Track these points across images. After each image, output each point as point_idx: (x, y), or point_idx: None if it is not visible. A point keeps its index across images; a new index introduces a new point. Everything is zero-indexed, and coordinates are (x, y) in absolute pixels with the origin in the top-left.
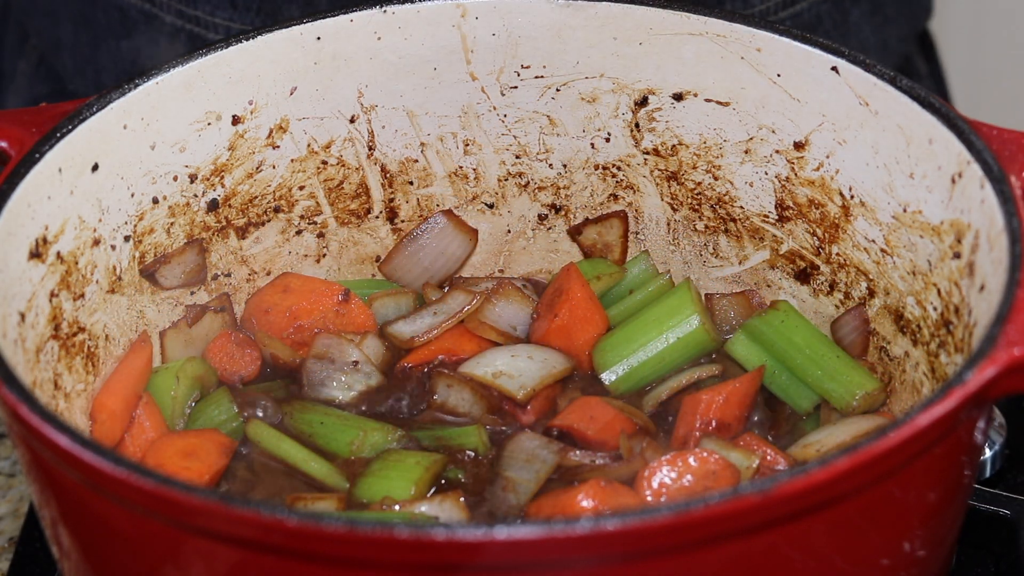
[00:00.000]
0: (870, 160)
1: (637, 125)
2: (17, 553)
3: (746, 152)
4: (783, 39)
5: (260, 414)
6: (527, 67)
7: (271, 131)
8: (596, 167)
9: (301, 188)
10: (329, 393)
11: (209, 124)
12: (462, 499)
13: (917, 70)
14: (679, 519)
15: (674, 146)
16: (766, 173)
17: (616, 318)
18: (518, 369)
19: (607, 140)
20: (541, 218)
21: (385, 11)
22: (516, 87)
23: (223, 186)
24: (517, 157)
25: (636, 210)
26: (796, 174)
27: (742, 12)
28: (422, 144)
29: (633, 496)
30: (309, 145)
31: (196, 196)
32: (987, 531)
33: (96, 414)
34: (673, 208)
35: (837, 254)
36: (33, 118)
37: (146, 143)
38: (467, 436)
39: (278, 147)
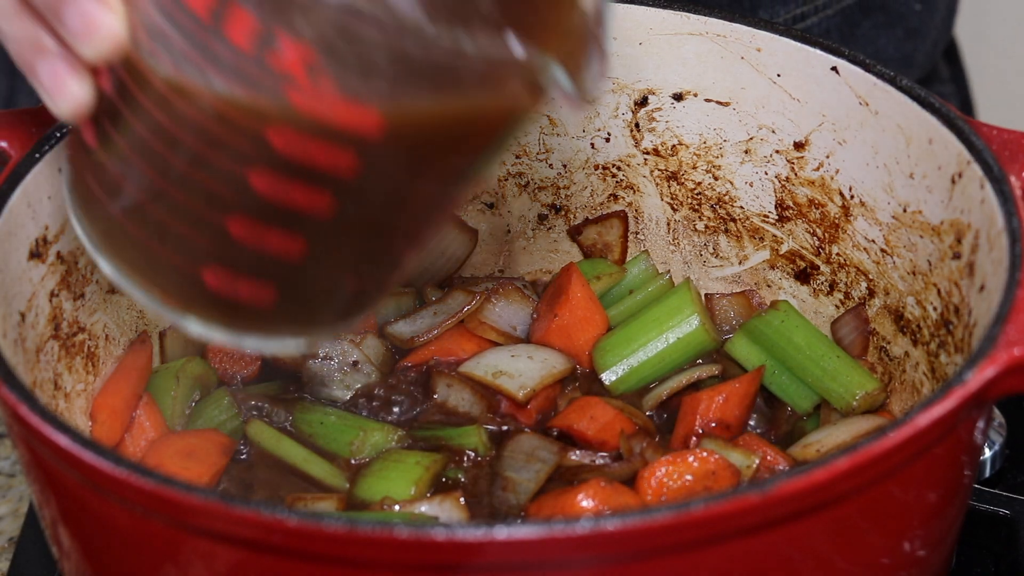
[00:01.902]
0: (870, 160)
1: (637, 125)
2: (17, 553)
3: (746, 152)
4: (783, 39)
5: (260, 414)
6: None
7: None
8: (596, 167)
9: None
10: (329, 393)
11: None
12: (462, 499)
13: (939, 74)
14: (679, 519)
15: (674, 146)
16: (766, 173)
17: (616, 318)
18: (518, 369)
19: (607, 140)
20: (541, 218)
21: None
22: None
23: None
24: (517, 157)
25: (636, 210)
26: (796, 174)
27: (742, 13)
28: None
29: (633, 496)
30: None
31: None
32: (987, 531)
33: (96, 414)
34: (673, 208)
35: (837, 254)
36: (33, 118)
37: None
38: (467, 436)
39: None
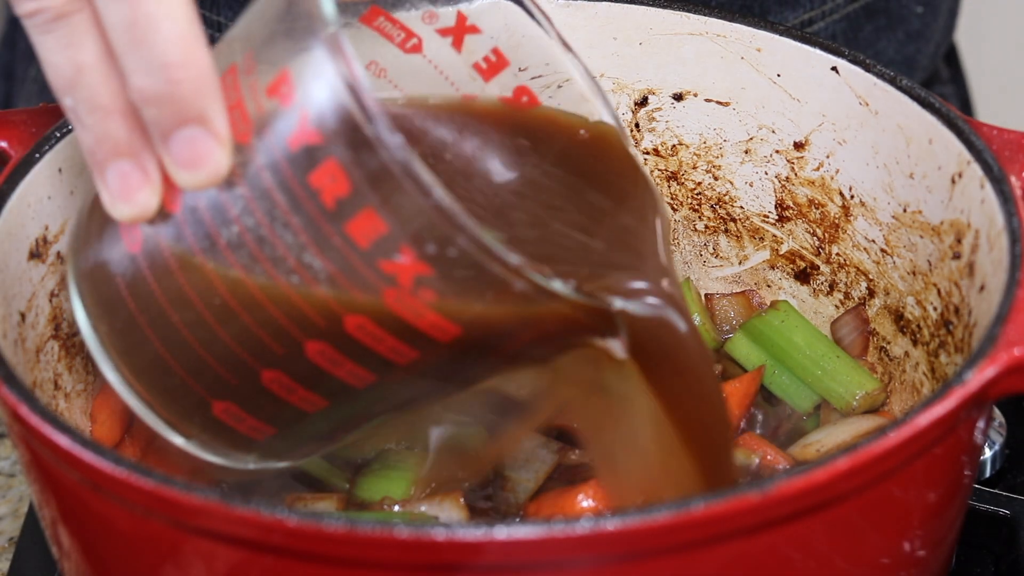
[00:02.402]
0: (870, 160)
1: (637, 125)
2: (17, 553)
3: (746, 152)
4: (783, 39)
5: None
6: (527, 67)
7: None
8: None
9: None
10: None
11: None
12: (462, 499)
13: (939, 75)
14: (679, 519)
15: (674, 146)
16: (766, 173)
17: None
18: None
19: None
20: None
21: None
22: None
23: None
24: None
25: None
26: (796, 174)
27: (743, 13)
28: None
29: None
30: None
31: None
32: (987, 531)
33: (96, 414)
34: (673, 208)
35: (837, 254)
36: (33, 118)
37: None
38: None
39: None
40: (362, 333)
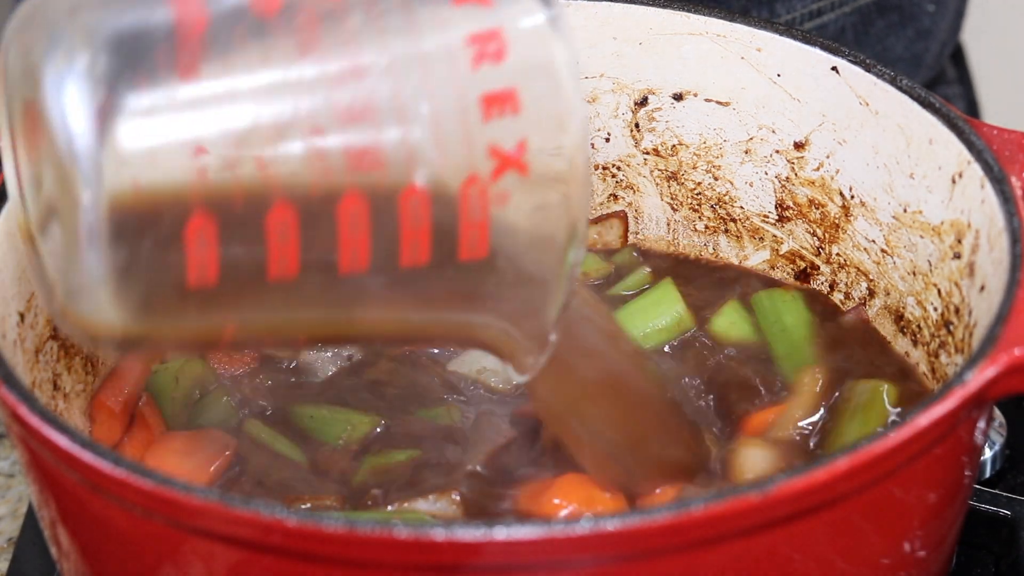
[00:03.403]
0: (870, 160)
1: (637, 125)
2: (16, 553)
3: (746, 152)
4: (783, 39)
5: (258, 412)
6: None
7: None
8: (596, 167)
9: None
10: (320, 380)
11: None
12: (456, 496)
13: (945, 75)
14: (679, 519)
15: (674, 146)
16: (766, 173)
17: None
18: (504, 366)
19: (607, 140)
20: None
21: None
22: None
23: None
24: None
25: (636, 210)
26: (796, 174)
27: (759, 7)
28: None
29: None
30: None
31: None
32: (987, 531)
33: (95, 414)
34: (673, 208)
35: (837, 254)
36: None
37: None
38: (442, 417)
39: None
40: (408, 206)
